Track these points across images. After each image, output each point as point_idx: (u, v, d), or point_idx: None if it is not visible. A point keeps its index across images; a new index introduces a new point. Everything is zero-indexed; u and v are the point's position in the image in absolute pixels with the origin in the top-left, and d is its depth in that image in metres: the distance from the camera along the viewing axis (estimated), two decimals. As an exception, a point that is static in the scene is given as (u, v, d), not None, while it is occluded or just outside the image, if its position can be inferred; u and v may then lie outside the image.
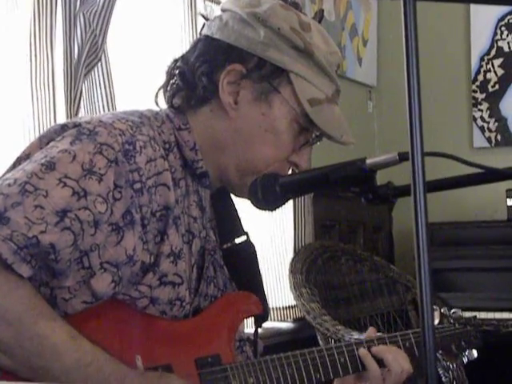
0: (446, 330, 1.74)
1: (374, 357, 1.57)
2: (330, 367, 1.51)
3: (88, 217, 1.25)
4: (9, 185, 1.23)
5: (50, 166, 1.26)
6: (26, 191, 1.22)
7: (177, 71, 1.49)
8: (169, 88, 1.50)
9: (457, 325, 1.75)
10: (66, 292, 1.27)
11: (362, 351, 1.57)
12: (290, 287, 3.04)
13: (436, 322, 1.74)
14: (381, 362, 1.58)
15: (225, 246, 1.55)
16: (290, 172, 1.52)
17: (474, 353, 1.75)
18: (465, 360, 1.75)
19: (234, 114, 1.45)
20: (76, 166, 1.27)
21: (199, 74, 1.45)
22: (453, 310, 1.77)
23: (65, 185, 1.25)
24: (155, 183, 1.35)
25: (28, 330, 1.21)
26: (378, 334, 1.67)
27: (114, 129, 1.33)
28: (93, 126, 1.33)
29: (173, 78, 1.49)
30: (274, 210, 1.47)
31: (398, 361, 1.58)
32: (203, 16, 1.55)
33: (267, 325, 3.21)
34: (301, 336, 3.16)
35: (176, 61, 1.51)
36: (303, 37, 1.45)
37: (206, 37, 1.48)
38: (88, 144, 1.30)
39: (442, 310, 1.76)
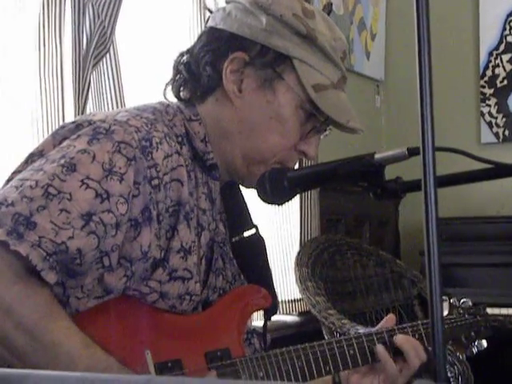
0: (456, 321, 1.73)
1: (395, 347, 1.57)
2: (339, 359, 1.51)
3: (111, 220, 1.25)
4: (31, 187, 1.22)
5: (70, 167, 1.25)
6: (49, 194, 1.21)
7: (182, 64, 1.49)
8: (176, 81, 1.50)
9: (466, 315, 1.74)
10: (79, 291, 1.26)
11: (379, 347, 1.56)
12: (296, 281, 3.04)
13: (445, 313, 1.72)
14: (398, 352, 1.57)
15: (234, 239, 1.55)
16: (297, 161, 1.52)
17: (484, 343, 1.74)
18: (474, 350, 1.73)
19: (238, 102, 1.44)
20: (97, 167, 1.26)
21: (203, 64, 1.46)
22: (462, 300, 1.75)
23: (87, 186, 1.24)
24: (170, 179, 1.35)
25: (43, 337, 1.19)
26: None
27: (130, 126, 1.33)
28: (108, 124, 1.32)
29: (179, 72, 1.50)
30: (282, 204, 1.47)
31: (418, 353, 1.58)
32: (208, 10, 1.55)
33: (273, 318, 3.21)
34: (306, 329, 3.16)
35: (182, 54, 1.51)
36: (306, 23, 1.44)
37: (210, 28, 1.49)
38: (106, 143, 1.29)
39: (452, 301, 1.74)
